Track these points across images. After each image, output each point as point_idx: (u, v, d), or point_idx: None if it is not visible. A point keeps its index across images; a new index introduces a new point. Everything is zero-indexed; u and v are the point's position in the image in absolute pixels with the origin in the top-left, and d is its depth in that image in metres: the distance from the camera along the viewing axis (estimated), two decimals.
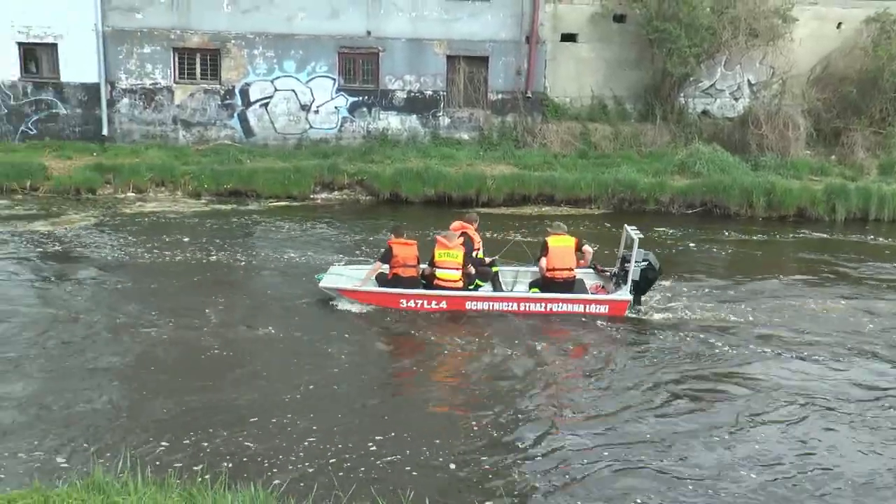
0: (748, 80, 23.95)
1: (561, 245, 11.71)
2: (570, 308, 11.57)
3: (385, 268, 11.74)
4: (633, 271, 11.40)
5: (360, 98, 22.13)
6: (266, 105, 21.99)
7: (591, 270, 12.60)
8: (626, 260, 11.70)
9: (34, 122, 21.82)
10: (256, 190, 19.89)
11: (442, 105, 22.39)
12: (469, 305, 11.54)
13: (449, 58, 22.09)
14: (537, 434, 8.34)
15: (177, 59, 21.76)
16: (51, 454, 7.40)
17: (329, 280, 12.00)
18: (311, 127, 22.14)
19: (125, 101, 21.76)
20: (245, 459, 7.46)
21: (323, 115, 22.13)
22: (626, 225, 12.32)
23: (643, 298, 12.03)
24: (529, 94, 22.42)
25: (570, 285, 11.73)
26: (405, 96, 22.20)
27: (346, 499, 6.39)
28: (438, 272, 11.54)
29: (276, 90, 21.90)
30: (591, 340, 11.14)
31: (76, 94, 21.74)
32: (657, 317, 11.96)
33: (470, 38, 22.00)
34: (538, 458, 7.85)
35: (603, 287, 12.29)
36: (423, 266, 11.87)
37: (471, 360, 10.40)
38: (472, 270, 11.77)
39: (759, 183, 19.97)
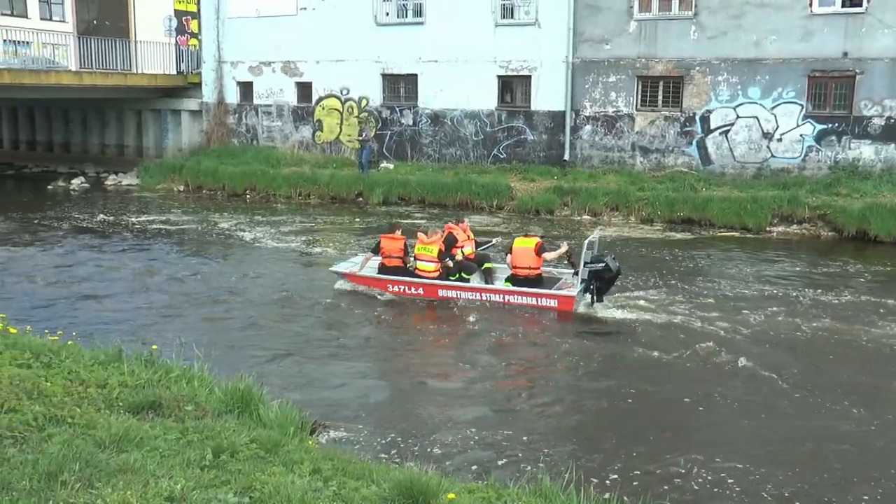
0: None
1: (521, 246, 13.09)
2: (523, 300, 12.91)
3: (377, 258, 13.73)
4: (582, 271, 12.55)
5: (830, 125, 20.59)
6: (726, 132, 21.58)
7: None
8: (586, 260, 12.69)
9: (504, 147, 24.19)
10: (710, 219, 19.71)
11: None
12: (441, 293, 13.24)
13: None
14: None
15: (640, 86, 22.45)
16: (506, 455, 7.78)
17: (339, 266, 14.29)
18: (772, 156, 21.20)
19: (587, 127, 23.04)
20: (690, 495, 7.07)
21: (786, 144, 21.04)
22: (596, 229, 14.12)
23: (604, 296, 12.82)
24: None
25: (532, 281, 12.98)
26: (883, 123, 20.10)
27: None
28: (417, 263, 13.42)
29: (738, 117, 21.38)
30: (533, 330, 12.21)
31: (543, 121, 23.59)
32: (618, 315, 12.51)
33: None
34: None
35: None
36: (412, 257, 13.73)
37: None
38: (451, 264, 13.30)
39: None
